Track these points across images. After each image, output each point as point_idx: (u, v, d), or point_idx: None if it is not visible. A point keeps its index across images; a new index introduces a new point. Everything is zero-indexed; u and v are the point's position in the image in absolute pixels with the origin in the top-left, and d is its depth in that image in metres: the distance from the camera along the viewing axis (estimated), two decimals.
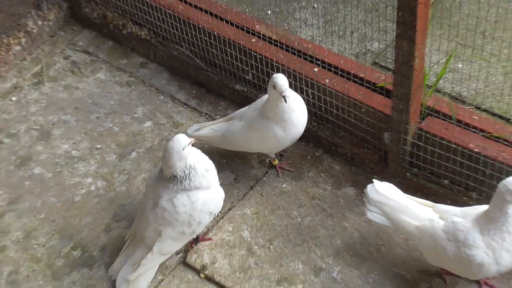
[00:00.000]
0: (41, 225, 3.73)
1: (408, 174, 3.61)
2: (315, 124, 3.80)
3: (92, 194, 3.83)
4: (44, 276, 3.55)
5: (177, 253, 3.55)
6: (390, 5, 4.35)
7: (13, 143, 4.06)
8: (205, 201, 3.33)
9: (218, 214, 3.57)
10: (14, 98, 4.27)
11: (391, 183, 3.55)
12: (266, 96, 3.57)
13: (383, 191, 3.30)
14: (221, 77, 4.11)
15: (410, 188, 3.58)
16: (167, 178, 3.28)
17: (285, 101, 3.41)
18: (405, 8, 3.09)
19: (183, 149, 3.20)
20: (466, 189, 3.51)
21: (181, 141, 3.20)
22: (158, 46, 4.27)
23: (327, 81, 3.73)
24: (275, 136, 3.58)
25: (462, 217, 3.09)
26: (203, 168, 3.29)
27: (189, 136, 3.47)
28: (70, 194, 3.84)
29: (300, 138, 3.75)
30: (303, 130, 3.63)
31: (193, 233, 3.42)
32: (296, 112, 3.53)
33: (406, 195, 3.30)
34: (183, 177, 3.25)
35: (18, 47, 4.40)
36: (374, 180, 3.33)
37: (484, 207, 3.06)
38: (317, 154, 3.88)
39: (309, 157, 3.87)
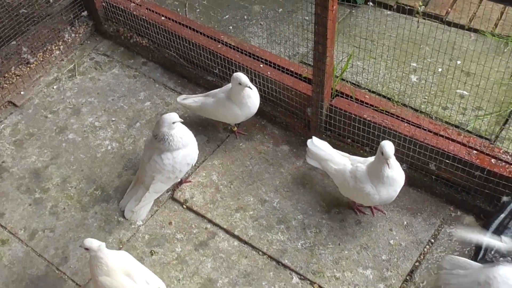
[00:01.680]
0: (73, 174, 3.54)
1: (323, 135, 3.47)
2: (262, 102, 3.62)
3: (109, 152, 3.64)
4: (75, 209, 3.38)
5: (167, 191, 3.39)
6: (311, 22, 4.20)
7: (54, 117, 3.83)
8: (184, 155, 3.19)
9: (195, 165, 3.41)
10: (55, 87, 4.03)
11: None
12: (230, 84, 3.40)
13: (318, 144, 3.22)
14: (198, 72, 3.91)
15: None
16: (155, 137, 3.13)
17: (251, 88, 3.27)
18: (319, 23, 2.96)
19: (173, 123, 3.09)
20: (362, 145, 3.39)
21: (173, 117, 3.10)
22: (155, 50, 4.06)
23: (268, 73, 3.56)
24: (234, 113, 3.42)
25: (363, 163, 3.01)
26: (178, 136, 3.14)
27: (178, 102, 3.54)
28: (93, 152, 3.64)
29: None
30: (255, 111, 3.47)
31: (176, 178, 3.26)
32: (251, 98, 3.38)
33: (332, 148, 3.21)
34: (164, 139, 3.11)
35: (58, 52, 4.15)
36: (313, 137, 3.24)
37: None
38: (262, 123, 3.71)
39: (257, 125, 3.70)
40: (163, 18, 3.94)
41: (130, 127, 3.76)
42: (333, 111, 3.35)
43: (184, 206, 3.35)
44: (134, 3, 4.06)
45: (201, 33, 3.83)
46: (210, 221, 3.28)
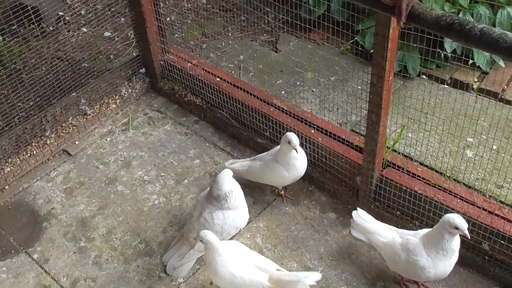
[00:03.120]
0: (119, 225, 3.61)
1: (372, 206, 3.46)
2: (310, 168, 3.67)
3: (155, 206, 3.71)
4: (118, 260, 3.42)
5: None
6: (364, 91, 4.27)
7: (105, 168, 3.96)
8: (234, 219, 3.25)
9: (241, 230, 3.45)
10: (108, 139, 4.18)
11: None
12: (278, 147, 3.47)
13: (363, 216, 3.20)
14: (248, 133, 4.00)
15: (372, 216, 3.44)
16: (214, 197, 3.19)
17: (297, 151, 3.33)
18: (374, 93, 3.02)
19: (230, 178, 3.20)
20: (411, 219, 3.35)
21: (230, 173, 3.20)
22: (207, 110, 4.19)
23: (319, 139, 3.61)
24: (281, 175, 3.46)
25: (414, 236, 3.00)
26: (236, 194, 3.21)
27: (226, 167, 3.54)
28: (140, 205, 3.73)
29: None
30: (302, 173, 3.51)
31: (223, 239, 3.28)
32: (298, 160, 3.42)
33: (377, 221, 3.20)
34: (223, 197, 3.17)
35: (114, 105, 4.33)
36: (358, 209, 3.23)
37: (427, 229, 2.97)
38: (310, 188, 3.74)
39: (305, 190, 3.73)
40: (218, 79, 4.09)
41: (178, 183, 3.84)
42: (383, 182, 3.36)
43: None
44: (191, 63, 4.24)
45: (254, 95, 3.95)
46: None
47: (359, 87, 4.38)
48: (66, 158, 4.07)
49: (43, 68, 4.47)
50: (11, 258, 3.49)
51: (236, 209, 3.23)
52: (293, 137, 3.30)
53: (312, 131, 3.67)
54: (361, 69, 4.53)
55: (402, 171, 3.37)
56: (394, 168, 3.40)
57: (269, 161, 3.52)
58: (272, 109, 3.85)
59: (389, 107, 3.14)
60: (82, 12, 5.19)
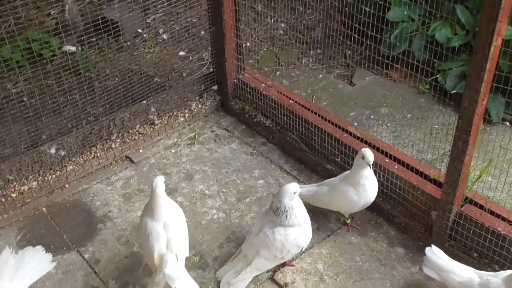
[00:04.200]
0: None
1: (446, 244, 3.22)
2: (381, 199, 3.50)
3: (214, 221, 3.59)
4: None
5: (267, 271, 3.24)
6: (440, 130, 4.12)
7: (167, 178, 3.85)
8: (296, 236, 3.06)
9: (302, 250, 3.27)
10: (173, 151, 4.14)
11: None
12: (348, 171, 3.33)
13: (437, 253, 2.99)
14: (317, 159, 3.87)
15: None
16: (273, 210, 3.04)
17: (370, 167, 3.18)
18: (464, 117, 2.85)
19: (294, 193, 3.01)
20: (491, 262, 3.09)
21: (295, 187, 3.02)
22: (276, 132, 4.11)
23: (395, 167, 3.45)
24: (350, 198, 3.29)
25: (495, 277, 2.75)
26: (297, 211, 3.04)
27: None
28: (199, 218, 3.61)
29: (367, 208, 3.48)
30: (372, 199, 3.33)
31: (282, 258, 3.12)
32: (369, 181, 3.25)
33: (452, 260, 2.98)
34: (283, 211, 3.01)
35: (182, 119, 4.31)
36: (433, 246, 3.03)
37: (510, 271, 2.72)
38: (379, 221, 3.54)
39: (372, 222, 3.53)
40: (291, 101, 4.02)
41: (239, 201, 3.72)
42: (462, 218, 3.13)
43: None
44: (265, 84, 4.20)
45: (327, 120, 3.84)
46: None
47: (436, 127, 4.22)
48: (129, 165, 4.04)
49: (116, 79, 4.53)
50: (62, 255, 3.41)
51: (299, 227, 3.07)
52: (367, 152, 3.15)
53: (387, 160, 3.51)
54: (440, 109, 4.38)
55: (483, 210, 3.15)
56: (475, 206, 3.18)
57: (337, 184, 3.37)
58: (345, 135, 3.72)
59: (478, 136, 2.96)
60: (160, 31, 5.31)
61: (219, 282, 3.18)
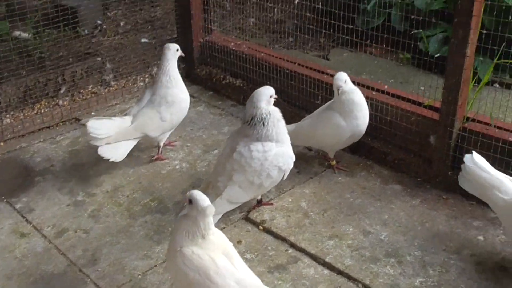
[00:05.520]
0: (129, 184, 2.97)
1: (449, 173, 2.75)
2: (369, 138, 3.04)
3: (176, 170, 3.07)
4: (122, 215, 2.75)
5: (240, 211, 2.70)
6: (427, 91, 3.74)
7: None
8: (276, 154, 2.54)
9: (279, 190, 2.77)
10: None
11: (432, 183, 2.78)
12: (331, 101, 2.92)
13: (479, 162, 2.37)
14: (294, 110, 3.42)
15: (450, 187, 2.74)
16: (247, 122, 2.55)
17: (337, 94, 2.77)
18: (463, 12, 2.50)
19: (270, 96, 2.55)
20: None
21: (270, 90, 2.57)
22: (248, 90, 3.65)
23: (386, 97, 3.03)
24: (338, 124, 2.82)
25: None
26: (276, 118, 2.55)
27: None
28: (158, 168, 3.09)
29: (354, 151, 3.03)
30: (364, 128, 2.86)
31: (260, 186, 2.57)
32: (355, 104, 2.81)
33: (498, 171, 2.37)
34: (260, 119, 2.52)
35: (142, 84, 3.87)
36: (473, 152, 2.41)
37: None
38: (368, 163, 3.06)
39: (361, 164, 3.05)
40: (263, 54, 3.64)
41: (206, 153, 3.22)
42: (466, 138, 2.69)
43: (260, 228, 2.62)
44: (234, 43, 3.82)
45: (304, 66, 3.45)
46: (292, 245, 2.50)
47: (423, 88, 3.85)
48: (77, 126, 3.52)
49: (70, 59, 4.10)
50: None
51: (278, 143, 2.56)
52: (337, 75, 2.80)
53: (373, 93, 3.09)
54: (425, 74, 4.03)
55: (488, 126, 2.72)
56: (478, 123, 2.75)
57: (321, 112, 2.93)
58: (325, 76, 3.32)
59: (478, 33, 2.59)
60: (121, 24, 4.96)
61: None
